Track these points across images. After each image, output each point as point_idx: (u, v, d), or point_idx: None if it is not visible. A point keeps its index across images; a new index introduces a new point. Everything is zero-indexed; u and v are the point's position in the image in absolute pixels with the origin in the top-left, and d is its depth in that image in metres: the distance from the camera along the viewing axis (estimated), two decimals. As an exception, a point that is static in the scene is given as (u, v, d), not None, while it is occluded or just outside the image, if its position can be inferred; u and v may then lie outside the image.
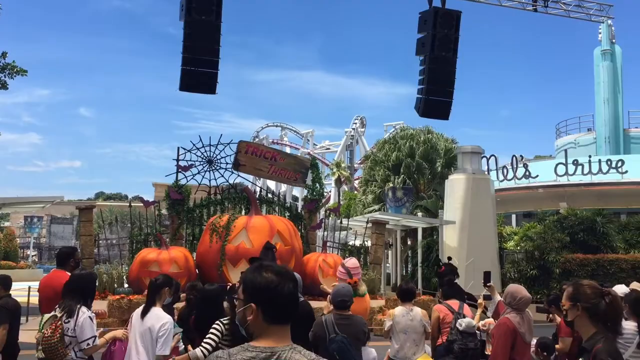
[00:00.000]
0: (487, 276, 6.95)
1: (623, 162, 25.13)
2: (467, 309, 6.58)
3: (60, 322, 5.04)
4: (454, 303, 6.59)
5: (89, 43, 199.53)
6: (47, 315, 5.23)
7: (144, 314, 5.33)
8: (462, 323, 6.15)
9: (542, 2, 16.95)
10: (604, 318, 3.30)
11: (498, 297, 6.73)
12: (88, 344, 5.06)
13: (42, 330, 5.09)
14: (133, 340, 5.33)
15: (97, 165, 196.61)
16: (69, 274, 6.74)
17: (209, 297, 5.68)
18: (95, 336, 5.12)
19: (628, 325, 5.92)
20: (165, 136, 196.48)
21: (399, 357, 6.32)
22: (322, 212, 21.04)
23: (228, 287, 6.63)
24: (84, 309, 5.11)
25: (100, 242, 19.57)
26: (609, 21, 27.71)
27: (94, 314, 5.22)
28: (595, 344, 3.22)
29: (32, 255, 55.82)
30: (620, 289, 7.15)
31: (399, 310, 6.43)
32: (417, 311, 6.43)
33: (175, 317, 6.66)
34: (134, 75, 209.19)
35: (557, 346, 6.85)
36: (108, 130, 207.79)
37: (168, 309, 6.03)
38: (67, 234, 69.81)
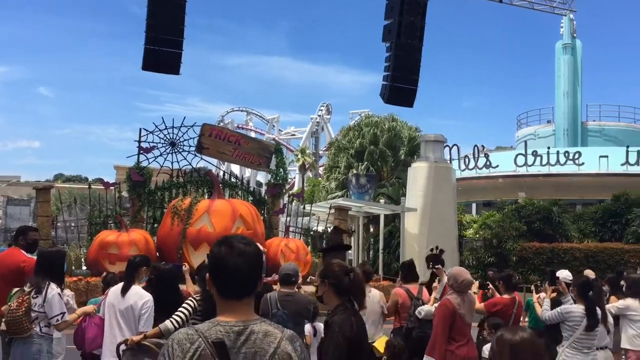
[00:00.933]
0: (434, 258, 7.04)
1: (580, 154, 25.82)
2: (425, 293, 6.68)
3: (27, 296, 5.08)
4: (413, 287, 6.67)
5: (49, 21, 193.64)
6: (15, 289, 5.30)
7: (124, 291, 5.32)
8: (421, 311, 6.22)
9: (507, -7, 17.19)
10: (347, 292, 3.74)
11: (445, 280, 6.87)
12: (57, 320, 5.11)
13: (9, 303, 5.14)
14: (113, 318, 5.32)
15: (57, 146, 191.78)
16: (24, 252, 6.65)
17: (166, 277, 5.62)
18: (64, 312, 5.17)
19: (576, 308, 6.11)
20: (128, 118, 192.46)
21: None
22: (285, 197, 20.98)
23: (198, 265, 6.62)
24: (53, 285, 5.14)
25: (59, 224, 19.16)
26: (571, 15, 28.31)
27: (67, 292, 5.46)
28: (334, 315, 3.68)
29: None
30: (563, 274, 7.43)
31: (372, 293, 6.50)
32: (375, 293, 6.52)
33: None
34: (97, 55, 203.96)
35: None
36: (68, 111, 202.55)
37: None
38: (24, 215, 67.77)
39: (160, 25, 12.64)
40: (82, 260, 15.99)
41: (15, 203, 69.77)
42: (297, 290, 5.98)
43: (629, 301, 7.31)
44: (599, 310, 6.01)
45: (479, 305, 6.98)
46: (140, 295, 5.29)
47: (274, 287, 6.58)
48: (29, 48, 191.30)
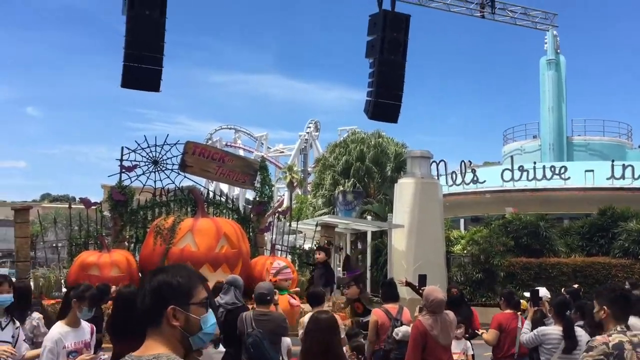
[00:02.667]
0: (422, 280, 6.90)
1: (566, 169, 25.88)
2: (406, 313, 6.47)
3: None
4: (393, 308, 6.44)
5: (35, 39, 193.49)
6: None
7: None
8: (398, 332, 6.01)
9: (489, 9, 17.27)
10: None
11: None
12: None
13: None
14: None
15: (44, 166, 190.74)
16: None
17: (127, 300, 5.41)
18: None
19: (553, 330, 5.82)
20: (116, 137, 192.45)
21: None
22: (272, 216, 20.76)
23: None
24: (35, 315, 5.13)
25: (42, 243, 18.78)
26: (554, 31, 28.55)
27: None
28: None
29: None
30: (541, 292, 7.26)
31: (308, 317, 6.23)
32: None
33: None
34: (84, 73, 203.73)
35: (484, 336, 6.94)
36: (56, 131, 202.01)
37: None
38: (9, 236, 66.99)
39: (140, 42, 12.50)
40: (62, 282, 15.63)
41: (1, 224, 69.09)
42: (272, 308, 6.05)
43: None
44: (578, 331, 5.74)
45: (487, 335, 6.81)
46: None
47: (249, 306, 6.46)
48: (17, 67, 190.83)
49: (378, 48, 14.40)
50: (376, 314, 6.49)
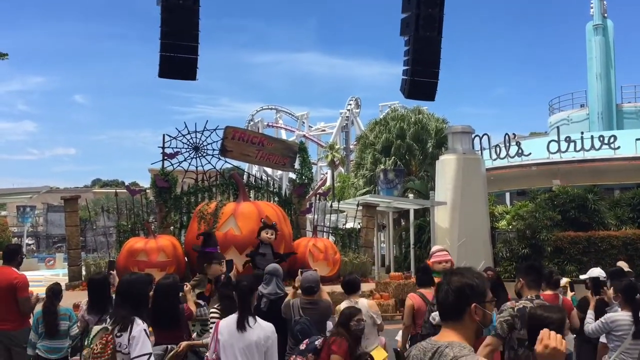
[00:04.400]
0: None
1: (615, 138, 24.97)
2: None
3: (111, 335, 4.19)
4: (429, 292, 6.39)
5: (81, 30, 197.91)
6: (96, 328, 4.37)
7: (242, 325, 4.58)
8: (435, 317, 5.97)
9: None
10: None
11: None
12: None
13: (92, 346, 4.26)
14: (231, 359, 4.58)
15: (93, 152, 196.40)
16: (15, 270, 6.83)
17: (166, 291, 5.56)
18: (150, 353, 4.18)
19: (621, 316, 5.59)
20: (161, 121, 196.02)
21: None
22: (315, 196, 20.84)
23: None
24: (138, 320, 4.26)
25: (92, 231, 19.44)
26: (600, -5, 27.41)
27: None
28: None
29: (29, 245, 55.72)
30: (595, 273, 6.97)
31: (343, 305, 6.25)
32: (363, 303, 6.30)
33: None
34: (129, 60, 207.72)
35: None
36: (103, 117, 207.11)
37: None
38: (64, 221, 69.64)
39: (175, 32, 12.62)
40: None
41: (55, 210, 71.85)
42: (324, 295, 6.30)
43: None
44: None
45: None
46: (263, 328, 4.65)
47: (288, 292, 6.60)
48: (63, 57, 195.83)
49: (413, 25, 14.11)
50: (412, 299, 6.47)
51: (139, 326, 4.19)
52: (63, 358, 6.51)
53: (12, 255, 6.96)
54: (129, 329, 4.14)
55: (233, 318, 4.62)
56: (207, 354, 4.83)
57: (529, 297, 4.57)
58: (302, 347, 5.20)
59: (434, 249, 9.00)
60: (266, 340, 4.57)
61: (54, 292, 6.51)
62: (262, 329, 4.61)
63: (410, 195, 23.61)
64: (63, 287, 7.13)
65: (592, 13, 30.21)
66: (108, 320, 4.35)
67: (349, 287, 6.38)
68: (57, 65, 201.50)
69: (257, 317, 4.72)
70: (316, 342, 5.22)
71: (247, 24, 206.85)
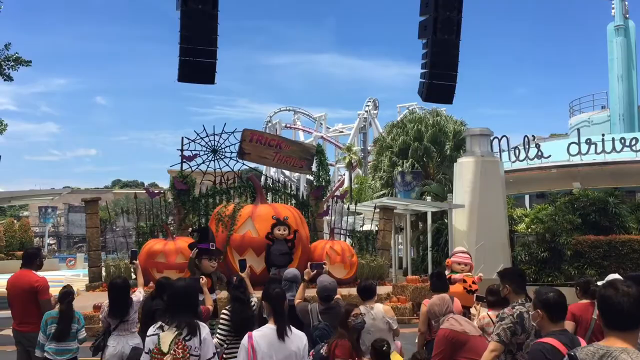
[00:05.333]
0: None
1: (637, 140, 24.66)
2: (457, 303, 6.39)
3: (183, 341, 4.29)
4: (443, 297, 6.37)
5: (103, 33, 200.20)
6: (169, 334, 4.36)
7: (282, 335, 4.41)
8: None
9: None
10: None
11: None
12: None
13: (171, 352, 4.29)
14: None
15: (113, 153, 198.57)
16: (35, 273, 6.98)
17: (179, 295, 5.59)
18: (216, 353, 4.43)
19: None
20: (180, 122, 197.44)
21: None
22: (332, 199, 20.86)
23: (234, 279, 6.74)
24: (201, 324, 4.44)
25: (112, 232, 19.70)
26: (622, -4, 27.07)
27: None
28: None
29: (51, 245, 56.56)
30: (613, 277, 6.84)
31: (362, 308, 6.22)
32: (379, 309, 6.24)
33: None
34: (149, 62, 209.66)
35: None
36: (124, 118, 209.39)
37: None
38: (84, 222, 70.45)
39: (194, 37, 12.73)
40: (131, 269, 16.33)
41: (75, 210, 72.80)
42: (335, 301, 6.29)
43: None
44: None
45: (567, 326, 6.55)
46: (300, 337, 4.54)
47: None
48: (84, 59, 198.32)
49: (431, 28, 14.06)
50: (426, 304, 6.45)
51: (205, 329, 4.39)
52: (71, 359, 6.61)
53: (31, 258, 7.16)
54: (197, 333, 4.28)
55: (270, 328, 4.45)
56: None
57: (519, 301, 4.72)
58: (309, 358, 5.12)
59: (457, 249, 8.98)
60: (304, 349, 4.48)
61: (70, 295, 6.58)
62: (299, 337, 4.49)
63: (428, 198, 23.51)
64: (83, 288, 7.26)
65: (614, 14, 29.89)
66: (173, 326, 4.32)
67: (365, 293, 6.37)
68: (79, 68, 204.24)
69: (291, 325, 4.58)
70: (322, 351, 5.22)
71: (266, 26, 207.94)
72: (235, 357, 4.89)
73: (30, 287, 6.83)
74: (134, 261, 7.44)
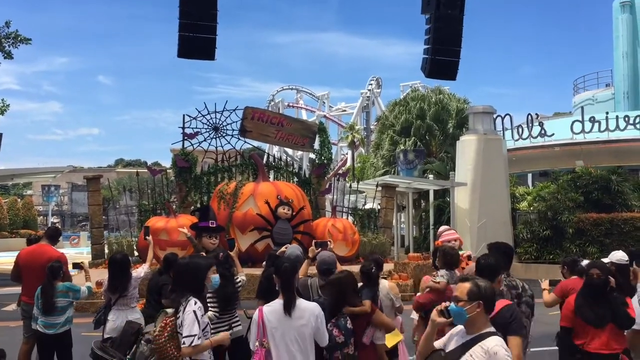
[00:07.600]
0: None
1: (641, 118, 24.47)
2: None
3: (172, 318, 4.29)
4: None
5: (105, 11, 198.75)
6: (169, 311, 4.44)
7: (288, 309, 4.33)
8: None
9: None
10: None
11: None
12: (184, 343, 4.13)
13: (153, 329, 4.42)
14: (283, 348, 4.28)
15: (116, 132, 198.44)
16: (54, 248, 7.08)
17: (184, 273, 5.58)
18: (194, 335, 4.14)
19: None
20: (183, 101, 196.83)
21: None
22: (334, 177, 20.84)
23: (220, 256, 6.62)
24: (192, 301, 4.26)
25: (115, 210, 19.73)
26: (629, -29, 26.66)
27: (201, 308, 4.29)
28: None
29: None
30: (617, 256, 6.83)
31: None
32: (384, 284, 6.25)
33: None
34: (152, 41, 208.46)
35: (543, 299, 6.69)
36: (127, 97, 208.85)
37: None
38: (87, 200, 70.68)
39: (193, 12, 12.57)
40: (134, 246, 16.41)
41: (79, 189, 73.02)
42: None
43: None
44: None
45: (547, 297, 6.63)
46: (311, 309, 4.42)
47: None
48: (86, 38, 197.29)
49: (434, 2, 13.83)
50: (426, 281, 6.44)
51: (190, 307, 4.22)
52: (61, 333, 6.69)
53: (55, 235, 7.71)
54: (181, 311, 4.24)
55: (279, 303, 4.38)
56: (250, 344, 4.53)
57: (503, 276, 4.88)
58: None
59: (441, 229, 8.99)
60: (315, 320, 4.38)
61: (52, 270, 6.66)
62: (309, 310, 4.41)
63: (430, 176, 23.45)
64: (87, 265, 7.33)
65: (620, -10, 29.48)
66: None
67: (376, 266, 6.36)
68: (81, 46, 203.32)
69: (300, 299, 4.49)
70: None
71: (268, 3, 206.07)
72: (221, 331, 5.21)
73: (50, 260, 6.91)
74: (147, 237, 7.58)
